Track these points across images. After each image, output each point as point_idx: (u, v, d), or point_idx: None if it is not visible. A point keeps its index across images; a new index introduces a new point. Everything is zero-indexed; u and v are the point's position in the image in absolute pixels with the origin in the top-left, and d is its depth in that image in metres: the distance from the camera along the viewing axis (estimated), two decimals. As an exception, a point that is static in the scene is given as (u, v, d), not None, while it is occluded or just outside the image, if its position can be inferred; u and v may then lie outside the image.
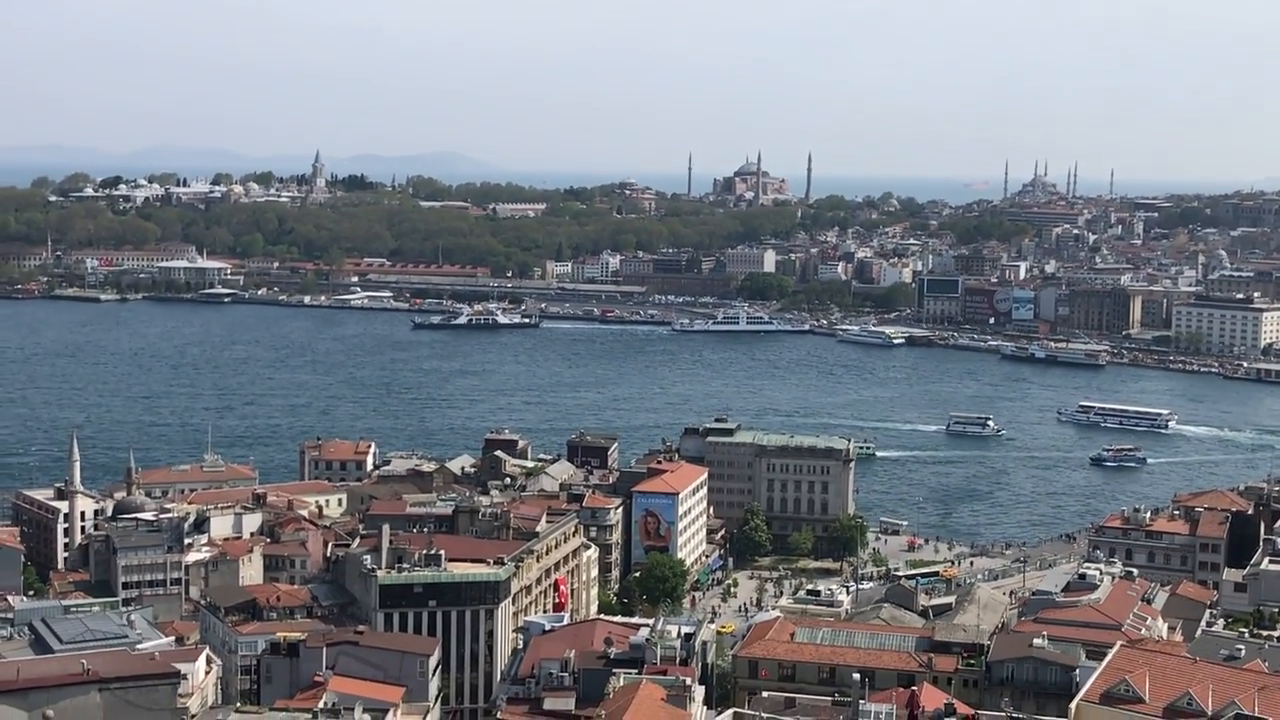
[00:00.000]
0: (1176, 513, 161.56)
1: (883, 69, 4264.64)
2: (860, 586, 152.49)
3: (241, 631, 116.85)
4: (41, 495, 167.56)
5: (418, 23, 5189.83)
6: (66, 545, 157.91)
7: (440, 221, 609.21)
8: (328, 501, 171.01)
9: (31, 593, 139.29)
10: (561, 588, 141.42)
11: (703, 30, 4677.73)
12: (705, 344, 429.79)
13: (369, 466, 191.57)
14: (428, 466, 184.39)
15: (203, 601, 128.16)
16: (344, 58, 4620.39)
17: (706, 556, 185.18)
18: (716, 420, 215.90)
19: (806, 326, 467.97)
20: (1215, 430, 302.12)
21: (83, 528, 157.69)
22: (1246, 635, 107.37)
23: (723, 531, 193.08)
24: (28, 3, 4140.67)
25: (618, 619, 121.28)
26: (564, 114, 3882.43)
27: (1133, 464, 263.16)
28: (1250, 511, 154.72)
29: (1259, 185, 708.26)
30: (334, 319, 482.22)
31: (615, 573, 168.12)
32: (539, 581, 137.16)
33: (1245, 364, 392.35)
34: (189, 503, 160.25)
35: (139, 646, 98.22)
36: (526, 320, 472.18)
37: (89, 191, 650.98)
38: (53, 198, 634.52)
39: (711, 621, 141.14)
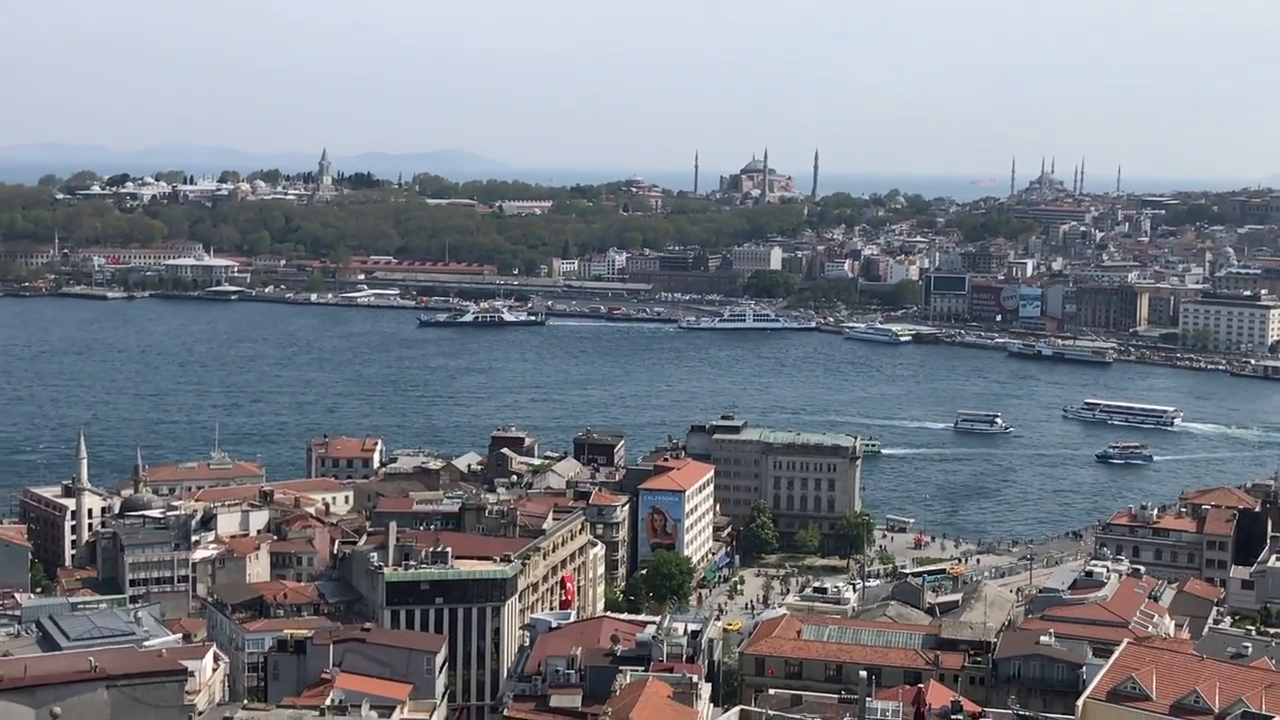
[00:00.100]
0: (1183, 510, 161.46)
1: (889, 66, 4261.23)
2: (867, 584, 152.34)
3: (248, 629, 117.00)
4: (49, 492, 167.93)
5: (424, 21, 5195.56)
6: (74, 542, 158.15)
7: (447, 219, 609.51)
8: (334, 499, 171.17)
9: (39, 590, 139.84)
10: (568, 585, 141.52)
11: (710, 28, 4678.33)
12: (711, 341, 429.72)
13: (376, 464, 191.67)
14: (434, 464, 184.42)
15: (210, 599, 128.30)
16: (351, 56, 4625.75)
17: (713, 554, 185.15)
18: (723, 418, 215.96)
19: (813, 324, 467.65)
20: (1222, 427, 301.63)
21: (90, 525, 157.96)
22: (1253, 633, 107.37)
23: (729, 529, 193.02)
24: (32, 1, 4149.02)
25: (624, 616, 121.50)
26: (570, 112, 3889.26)
27: (1139, 461, 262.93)
28: (1257, 509, 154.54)
29: (1265, 183, 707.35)
30: (340, 316, 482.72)
31: (622, 570, 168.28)
32: (545, 579, 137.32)
33: (1252, 361, 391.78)
34: (196, 500, 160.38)
35: (146, 644, 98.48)
36: (533, 318, 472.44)
37: (96, 189, 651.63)
38: (60, 195, 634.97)
39: (718, 619, 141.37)
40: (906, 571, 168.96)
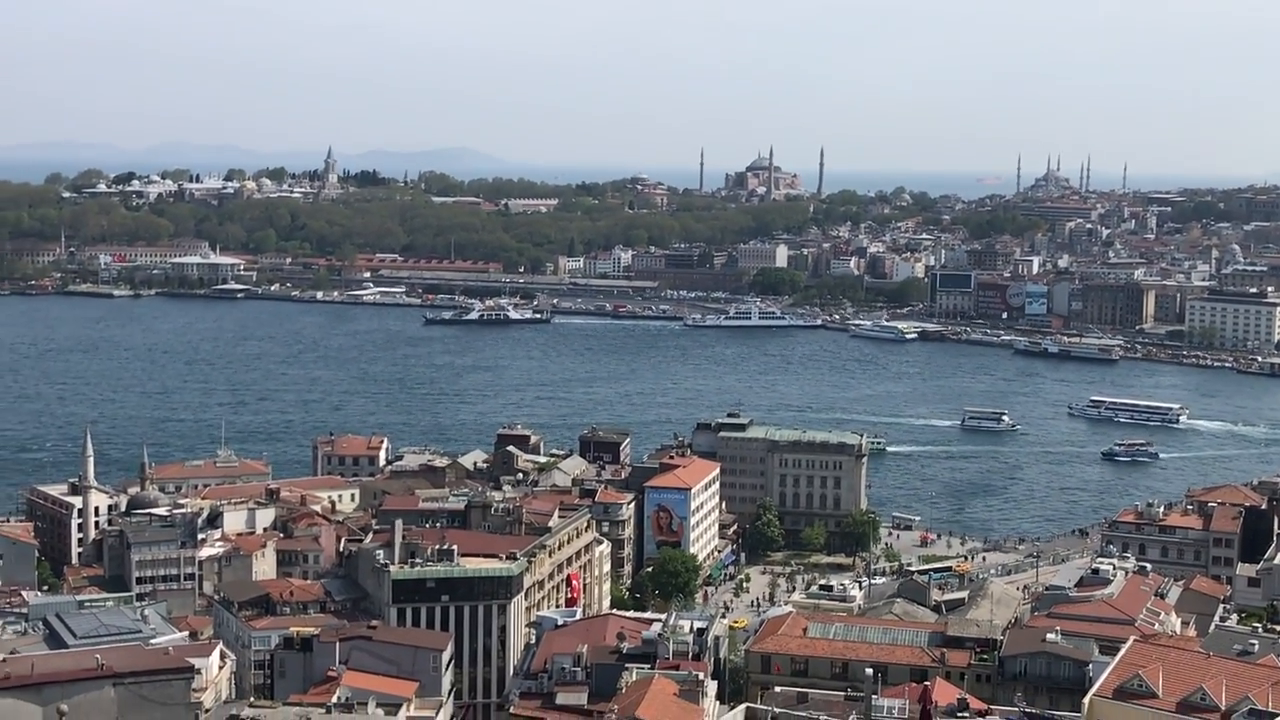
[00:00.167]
0: (1190, 508, 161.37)
1: (890, 66, 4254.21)
2: (873, 582, 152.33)
3: (255, 626, 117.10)
4: (55, 490, 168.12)
5: (424, 21, 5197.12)
6: (80, 540, 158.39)
7: (452, 217, 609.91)
8: (340, 497, 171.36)
9: (46, 588, 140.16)
10: (574, 583, 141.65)
11: (715, 26, 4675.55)
12: (717, 339, 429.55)
13: (382, 462, 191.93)
14: (440, 462, 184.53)
15: (216, 596, 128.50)
16: (356, 55, 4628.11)
17: (719, 551, 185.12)
18: (729, 415, 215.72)
19: (819, 321, 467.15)
20: (1229, 425, 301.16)
21: (97, 523, 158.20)
22: (1260, 630, 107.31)
23: (735, 526, 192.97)
24: (35, 1, 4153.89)
25: (630, 614, 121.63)
26: (576, 110, 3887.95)
27: (1145, 459, 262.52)
28: (1264, 506, 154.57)
29: (1267, 180, 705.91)
30: (346, 315, 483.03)
31: (627, 568, 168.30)
32: (551, 576, 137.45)
33: (1259, 358, 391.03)
34: (202, 498, 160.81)
35: (153, 641, 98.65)
36: (538, 316, 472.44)
37: (102, 188, 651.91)
38: (66, 194, 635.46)
39: (724, 616, 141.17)
40: (912, 569, 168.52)
